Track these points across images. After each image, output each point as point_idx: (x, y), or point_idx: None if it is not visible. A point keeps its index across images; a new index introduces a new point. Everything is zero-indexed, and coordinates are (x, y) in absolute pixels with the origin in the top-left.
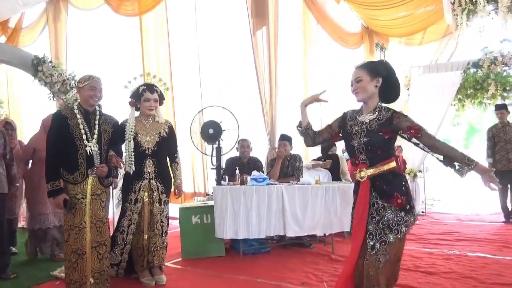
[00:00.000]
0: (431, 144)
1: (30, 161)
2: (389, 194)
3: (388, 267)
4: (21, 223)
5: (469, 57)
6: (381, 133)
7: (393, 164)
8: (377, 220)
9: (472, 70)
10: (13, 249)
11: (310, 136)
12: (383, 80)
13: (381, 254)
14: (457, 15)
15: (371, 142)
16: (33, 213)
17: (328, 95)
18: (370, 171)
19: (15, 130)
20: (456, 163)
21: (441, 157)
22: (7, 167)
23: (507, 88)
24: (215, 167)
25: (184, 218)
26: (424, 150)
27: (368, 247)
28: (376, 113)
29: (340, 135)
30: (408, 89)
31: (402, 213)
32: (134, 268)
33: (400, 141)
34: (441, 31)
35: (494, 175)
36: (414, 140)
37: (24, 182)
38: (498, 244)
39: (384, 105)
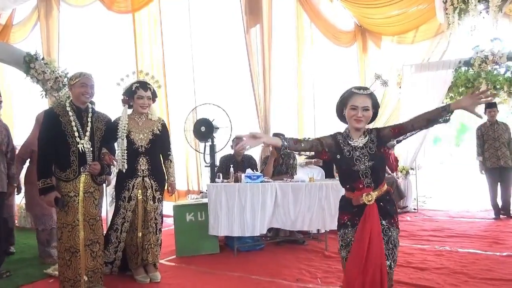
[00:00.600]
0: (411, 124)
1: (28, 160)
2: (391, 214)
3: None
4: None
5: (460, 56)
6: (380, 154)
7: (386, 185)
8: (386, 241)
9: (463, 69)
10: (12, 248)
11: (292, 149)
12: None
13: (392, 272)
14: (448, 14)
15: (377, 165)
16: (36, 214)
17: (321, 93)
18: (376, 194)
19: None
20: (438, 119)
21: (424, 128)
22: (7, 166)
23: (497, 86)
24: (208, 164)
25: (178, 216)
26: (413, 135)
27: (387, 268)
28: (367, 136)
29: (329, 156)
30: (400, 87)
31: (398, 229)
32: (129, 266)
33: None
34: (433, 30)
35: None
36: (402, 137)
37: (23, 182)
38: (489, 240)
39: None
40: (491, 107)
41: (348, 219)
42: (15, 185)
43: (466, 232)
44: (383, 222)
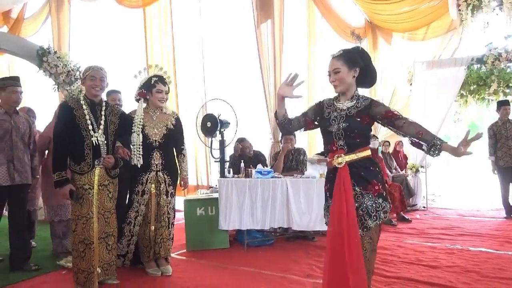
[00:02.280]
0: (405, 125)
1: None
2: (367, 180)
3: (375, 255)
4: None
5: (472, 53)
6: (359, 119)
7: (369, 152)
8: (356, 207)
9: (475, 66)
10: (32, 242)
11: (285, 127)
12: (360, 69)
13: (366, 241)
14: (461, 10)
15: (350, 127)
16: (52, 205)
17: (331, 89)
18: (348, 157)
19: (35, 119)
20: (426, 144)
21: (409, 138)
22: (30, 158)
23: (510, 84)
24: (217, 159)
25: (189, 210)
26: (397, 134)
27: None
28: (354, 101)
29: (316, 123)
30: (411, 84)
31: (380, 199)
32: (141, 259)
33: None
34: (445, 27)
35: (462, 149)
36: (392, 125)
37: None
38: (500, 239)
39: (361, 93)
40: (504, 104)
41: (327, 188)
42: (38, 177)
43: (477, 230)
44: (356, 188)
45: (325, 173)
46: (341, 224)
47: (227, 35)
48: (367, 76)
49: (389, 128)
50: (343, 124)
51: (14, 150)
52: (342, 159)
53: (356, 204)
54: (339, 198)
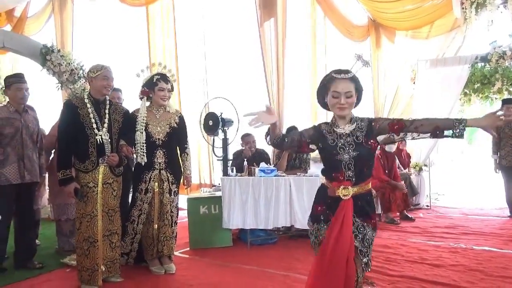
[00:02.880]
0: (415, 127)
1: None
2: (367, 214)
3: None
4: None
5: (476, 51)
6: (368, 147)
7: (370, 185)
8: (361, 238)
9: (479, 65)
10: (37, 241)
11: (278, 145)
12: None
13: (364, 270)
14: (465, 8)
15: (360, 156)
16: (59, 204)
17: None
18: (354, 190)
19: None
20: (449, 131)
21: (429, 135)
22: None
23: None
24: (220, 157)
25: (192, 208)
26: (414, 139)
27: (363, 265)
28: (354, 123)
29: (312, 147)
30: (414, 82)
31: (375, 232)
32: (144, 257)
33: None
34: (448, 25)
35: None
36: (401, 135)
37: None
38: (504, 238)
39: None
40: (508, 103)
41: (322, 211)
42: (44, 175)
43: (480, 229)
44: (357, 219)
45: (321, 193)
46: (337, 251)
47: (229, 33)
48: (359, 100)
49: (404, 138)
50: (353, 153)
51: (24, 149)
52: (348, 192)
53: (361, 235)
54: (344, 230)
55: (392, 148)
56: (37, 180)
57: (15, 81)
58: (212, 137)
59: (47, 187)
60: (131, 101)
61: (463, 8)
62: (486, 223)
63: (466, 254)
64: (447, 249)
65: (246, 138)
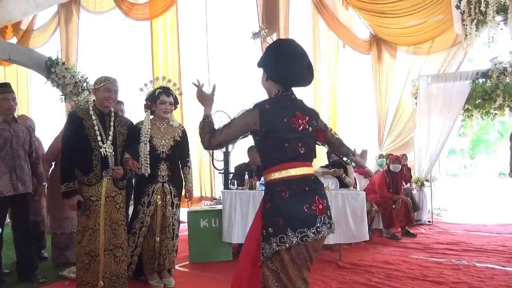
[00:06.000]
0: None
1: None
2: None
3: None
4: None
5: (477, 67)
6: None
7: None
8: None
9: (480, 80)
10: (44, 253)
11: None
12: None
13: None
14: (466, 25)
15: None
16: (55, 217)
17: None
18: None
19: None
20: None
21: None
22: (33, 166)
23: None
24: (221, 170)
25: (192, 222)
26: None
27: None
28: None
29: None
30: (415, 98)
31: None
32: (143, 271)
33: (404, 149)
34: (449, 41)
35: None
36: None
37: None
38: (507, 255)
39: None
40: None
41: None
42: (44, 184)
43: (483, 246)
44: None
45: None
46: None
47: (233, 48)
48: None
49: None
50: None
51: (16, 159)
52: None
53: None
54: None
55: (397, 168)
56: (30, 191)
57: (1, 91)
58: (211, 151)
59: None
60: (135, 114)
61: (464, 25)
62: (489, 240)
63: (468, 271)
64: (449, 266)
65: (252, 151)
